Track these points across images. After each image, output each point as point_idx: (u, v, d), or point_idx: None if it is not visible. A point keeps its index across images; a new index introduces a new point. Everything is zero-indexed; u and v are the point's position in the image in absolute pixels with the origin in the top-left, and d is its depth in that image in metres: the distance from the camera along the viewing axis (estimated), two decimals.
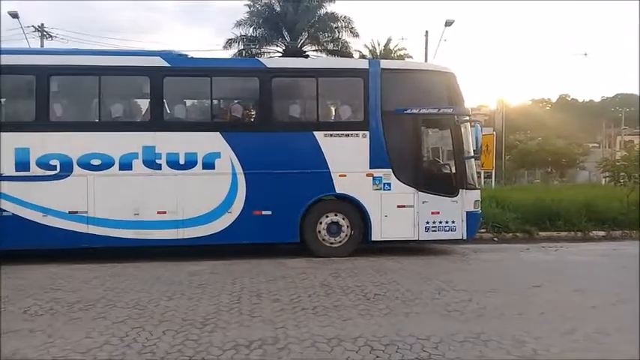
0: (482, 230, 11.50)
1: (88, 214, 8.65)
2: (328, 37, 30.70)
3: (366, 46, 35.45)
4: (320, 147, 9.02)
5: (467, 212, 9.27)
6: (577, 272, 8.26)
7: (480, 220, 10.11)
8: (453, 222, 9.23)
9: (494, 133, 17.53)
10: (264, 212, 8.96)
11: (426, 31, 27.81)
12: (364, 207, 9.11)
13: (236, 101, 9.64)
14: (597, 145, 52.73)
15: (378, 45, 35.82)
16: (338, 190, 9.12)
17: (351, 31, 30.45)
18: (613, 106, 63.34)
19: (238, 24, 30.09)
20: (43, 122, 8.66)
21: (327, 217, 9.20)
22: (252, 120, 9.53)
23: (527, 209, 12.72)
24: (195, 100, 10.29)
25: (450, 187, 9.29)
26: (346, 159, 9.07)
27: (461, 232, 9.28)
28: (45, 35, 28.16)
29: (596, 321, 5.37)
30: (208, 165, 8.89)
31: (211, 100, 9.38)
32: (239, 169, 8.94)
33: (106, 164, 8.68)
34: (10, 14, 24.00)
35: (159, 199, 8.81)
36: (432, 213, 9.16)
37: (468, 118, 9.68)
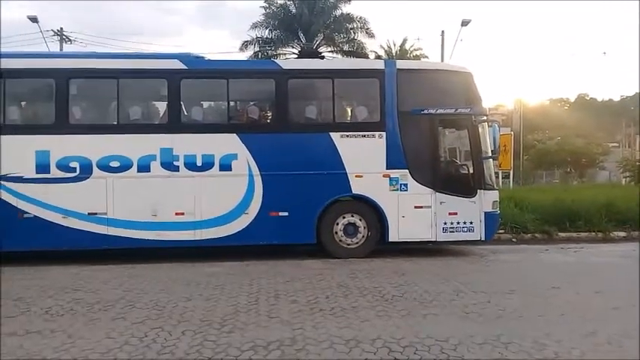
0: (501, 231, 11.38)
1: (107, 216, 8.74)
2: (344, 38, 30.71)
3: (381, 47, 35.44)
4: (336, 148, 9.02)
5: (485, 213, 9.19)
6: (597, 273, 8.16)
7: (498, 221, 10.01)
8: (471, 223, 9.16)
9: (512, 133, 17.36)
10: (280, 213, 8.98)
11: (442, 31, 27.73)
12: (381, 208, 9.08)
13: (252, 103, 9.66)
14: (617, 144, 51.92)
15: (394, 45, 35.77)
16: (354, 191, 9.10)
17: (366, 32, 30.45)
18: (633, 105, 62.34)
19: (254, 26, 30.27)
20: (62, 125, 8.76)
21: (343, 218, 9.19)
22: (268, 121, 9.55)
23: (547, 210, 12.56)
24: (212, 102, 10.35)
25: (467, 187, 9.22)
26: (363, 160, 9.05)
27: (479, 233, 9.21)
28: (64, 39, 28.56)
29: (617, 323, 5.30)
30: (225, 166, 8.93)
31: (228, 101, 9.42)
32: (256, 170, 8.96)
33: (125, 166, 8.77)
34: (29, 19, 24.39)
35: (177, 201, 8.87)
36: (450, 214, 9.10)
37: (485, 117, 9.59)
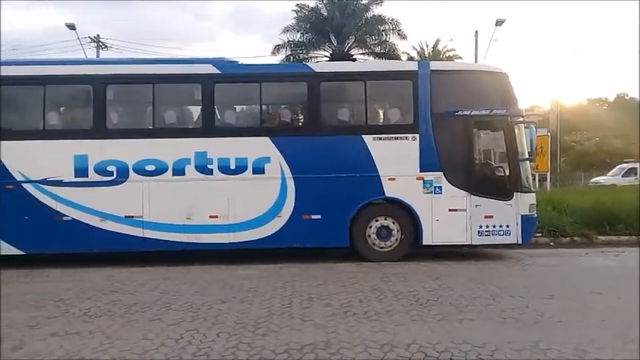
0: (538, 234, 11.14)
1: (143, 219, 8.89)
2: (375, 40, 30.67)
3: (414, 48, 35.31)
4: (369, 150, 8.97)
5: (522, 216, 9.00)
6: None
7: (535, 224, 9.80)
8: (508, 226, 8.98)
9: (549, 134, 16.97)
10: (313, 216, 8.98)
11: (476, 31, 27.40)
12: (415, 211, 8.98)
13: (285, 106, 9.70)
14: None
15: (427, 46, 35.58)
16: (388, 193, 9.03)
17: (398, 34, 30.36)
18: None
19: (286, 30, 30.51)
20: (100, 130, 8.95)
21: (376, 221, 9.12)
22: (301, 124, 9.57)
23: (586, 212, 12.23)
24: (245, 106, 10.44)
25: (504, 190, 9.04)
26: (396, 162, 8.97)
27: (516, 236, 9.03)
28: (101, 45, 29.25)
29: None
30: (258, 170, 8.98)
31: (261, 105, 9.48)
32: (288, 173, 8.99)
33: (160, 170, 8.91)
34: (67, 26, 25.06)
35: (211, 204, 8.96)
36: (486, 217, 8.95)
37: (521, 119, 9.41)
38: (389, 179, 8.97)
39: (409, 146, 8.96)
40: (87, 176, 8.87)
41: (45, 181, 8.84)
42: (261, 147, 9.00)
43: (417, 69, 9.26)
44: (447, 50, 35.03)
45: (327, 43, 31.28)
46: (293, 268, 8.42)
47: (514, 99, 9.35)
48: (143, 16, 78.87)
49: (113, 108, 9.32)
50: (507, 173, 9.11)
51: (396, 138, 9.01)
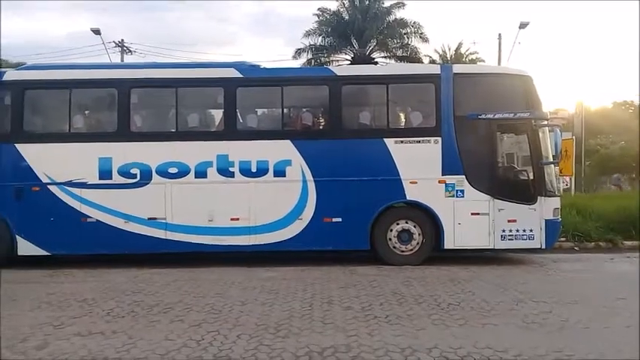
0: (562, 239, 11.01)
1: (166, 221, 8.97)
2: (397, 43, 30.58)
3: (436, 51, 34.99)
4: (390, 154, 8.93)
5: (546, 220, 8.86)
6: None
7: (559, 229, 9.66)
8: (531, 230, 8.86)
9: (574, 137, 16.68)
10: (334, 219, 8.97)
11: (499, 34, 27.15)
12: (436, 214, 8.92)
13: (306, 109, 9.72)
14: None
15: (449, 50, 35.25)
16: (409, 197, 8.98)
17: (420, 37, 30.21)
18: None
19: (307, 34, 30.61)
20: (124, 133, 9.08)
21: (397, 224, 9.07)
22: (322, 128, 9.59)
23: (611, 217, 12.03)
24: (267, 109, 10.48)
25: (527, 194, 8.92)
26: (417, 165, 8.92)
27: (539, 240, 8.89)
28: (125, 50, 29.67)
29: None
30: (279, 172, 9.00)
31: (282, 108, 9.52)
32: (309, 176, 9.00)
33: (183, 172, 8.99)
34: (92, 31, 25.52)
35: (232, 206, 9.00)
36: (509, 221, 8.84)
37: (546, 122, 9.28)
38: (410, 182, 8.92)
39: (431, 149, 8.90)
40: (111, 178, 8.99)
41: (70, 183, 8.98)
42: (282, 150, 9.02)
43: (439, 72, 9.22)
44: (470, 53, 34.69)
45: (349, 47, 31.28)
46: (313, 270, 8.41)
47: (538, 102, 9.22)
48: (166, 21, 79.90)
49: (137, 111, 9.44)
50: (531, 177, 9.00)
51: (418, 141, 8.96)
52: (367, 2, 30.82)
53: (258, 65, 9.93)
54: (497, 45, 27.16)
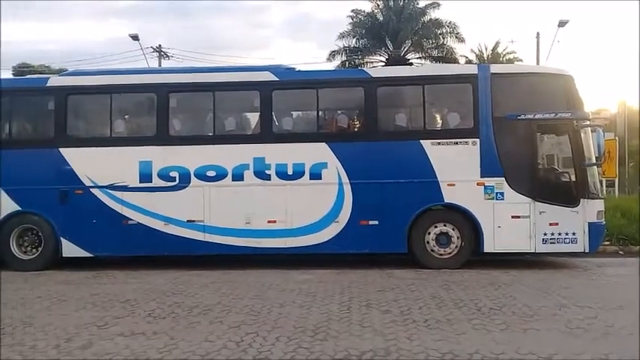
0: (606, 243, 10.68)
1: (204, 223, 9.08)
2: (432, 43, 30.30)
3: (472, 51, 34.51)
4: (427, 155, 8.84)
5: (589, 223, 8.62)
6: None
7: (603, 232, 9.38)
8: (574, 234, 8.62)
9: (617, 138, 16.19)
10: (370, 222, 8.92)
11: (537, 33, 26.60)
12: (475, 217, 8.77)
13: (342, 112, 9.71)
14: None
15: (485, 49, 34.74)
16: (447, 199, 8.86)
17: (456, 37, 29.88)
18: None
19: (342, 36, 30.61)
20: (163, 136, 9.23)
21: (435, 227, 8.96)
22: (358, 130, 9.56)
23: None
24: (302, 112, 10.51)
25: (570, 196, 8.69)
26: (455, 167, 8.80)
27: (582, 244, 8.66)
28: (162, 55, 30.22)
29: None
30: (315, 175, 9.00)
31: (318, 111, 9.52)
32: (345, 178, 8.97)
33: (220, 175, 9.08)
34: (131, 37, 26.15)
35: (269, 209, 9.04)
36: (551, 224, 8.62)
37: (588, 122, 9.03)
38: (448, 185, 8.81)
39: (469, 151, 8.77)
40: (151, 182, 9.15)
41: (112, 187, 9.19)
42: (318, 153, 9.03)
43: (477, 72, 9.08)
44: (507, 53, 34.09)
45: (383, 48, 31.15)
46: (350, 274, 8.38)
47: (580, 102, 8.98)
48: (203, 26, 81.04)
49: (175, 115, 9.59)
50: (574, 179, 8.76)
51: (456, 143, 8.84)
52: (402, 3, 30.66)
53: (294, 68, 9.99)
54: (536, 44, 26.63)
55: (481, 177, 8.76)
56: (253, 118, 9.81)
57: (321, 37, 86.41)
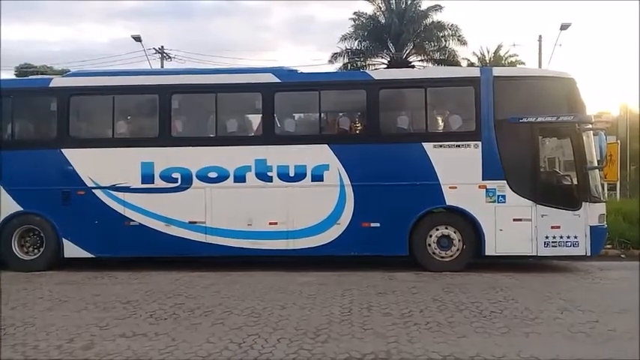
0: (608, 246, 10.67)
1: (205, 225, 9.08)
2: (434, 46, 30.29)
3: (474, 54, 34.46)
4: (429, 158, 8.83)
5: (591, 227, 8.61)
6: None
7: (605, 235, 9.37)
8: (576, 237, 8.61)
9: (618, 141, 16.19)
10: (372, 224, 8.91)
11: (540, 36, 26.60)
12: (477, 220, 8.76)
13: (344, 114, 9.71)
14: None
15: (488, 52, 34.70)
16: (448, 202, 8.86)
17: (458, 39, 29.85)
18: None
19: (343, 38, 30.60)
20: (165, 138, 9.24)
21: (437, 230, 8.95)
22: (360, 132, 9.56)
23: None
24: (304, 114, 10.51)
25: (571, 199, 8.69)
26: (457, 170, 8.79)
27: (584, 247, 8.64)
28: (165, 56, 30.25)
29: None
30: (317, 177, 9.00)
31: (320, 113, 9.50)
32: (347, 180, 8.96)
33: (222, 177, 9.08)
34: (133, 38, 26.19)
35: (270, 211, 9.05)
36: (552, 227, 8.61)
37: (590, 125, 9.02)
38: (450, 187, 8.80)
39: (471, 154, 8.77)
40: (153, 183, 9.15)
41: (114, 187, 9.19)
42: (320, 154, 9.03)
43: (479, 75, 9.07)
44: (509, 56, 34.05)
45: (385, 51, 31.16)
46: (352, 276, 8.38)
47: (582, 105, 8.97)
48: (205, 27, 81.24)
49: (178, 117, 9.59)
50: (575, 182, 8.76)
51: (458, 145, 8.83)
52: (404, 5, 30.68)
53: (296, 70, 9.98)
54: (538, 47, 26.62)
55: (483, 180, 8.74)
56: (255, 119, 9.78)
57: (323, 39, 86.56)
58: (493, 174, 8.72)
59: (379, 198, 8.89)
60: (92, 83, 9.52)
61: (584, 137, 8.82)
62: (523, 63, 32.62)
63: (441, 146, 8.86)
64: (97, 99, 9.77)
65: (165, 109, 9.29)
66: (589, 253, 8.71)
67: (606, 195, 14.09)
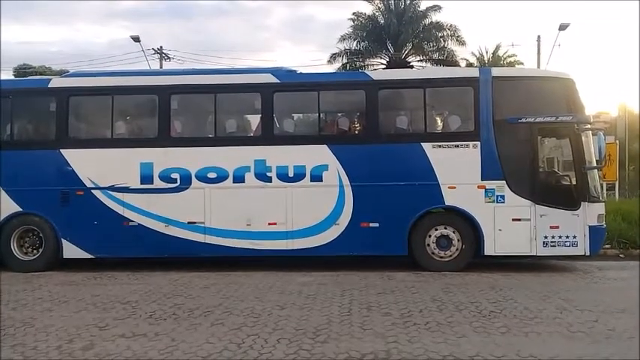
0: (607, 246, 10.66)
1: (204, 225, 9.08)
2: (433, 46, 30.32)
3: (473, 54, 34.50)
4: (428, 158, 8.84)
5: (590, 226, 8.62)
6: None
7: (604, 235, 9.37)
8: (575, 237, 8.62)
9: (617, 141, 16.21)
10: (371, 224, 8.91)
11: (538, 36, 26.67)
12: (476, 220, 8.76)
13: (343, 114, 9.73)
14: None
15: (486, 52, 34.74)
16: (447, 202, 8.86)
17: (457, 40, 29.90)
18: None
19: (342, 38, 30.62)
20: (164, 138, 9.24)
21: (436, 230, 8.96)
22: (359, 132, 9.57)
23: None
24: (304, 114, 10.52)
25: (570, 199, 8.69)
26: (456, 170, 8.79)
27: (583, 247, 8.65)
28: (163, 57, 30.26)
29: None
30: (316, 177, 9.00)
31: (319, 113, 9.52)
32: (346, 181, 8.97)
33: (221, 177, 9.08)
34: (132, 38, 26.22)
35: (269, 211, 9.05)
36: (551, 227, 8.62)
37: (589, 125, 9.02)
38: (449, 188, 8.81)
39: (470, 154, 8.77)
40: (152, 183, 9.15)
41: (113, 188, 9.19)
42: (319, 155, 9.03)
43: (478, 75, 9.08)
44: (508, 56, 34.11)
45: (384, 51, 31.19)
46: (351, 276, 8.39)
47: (581, 105, 8.97)
48: (203, 28, 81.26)
49: (177, 117, 9.59)
50: (574, 182, 8.77)
51: (457, 146, 8.84)
52: (403, 6, 30.72)
53: (295, 70, 9.98)
54: (537, 47, 26.67)
55: (482, 180, 8.75)
56: (254, 120, 9.81)
57: (322, 39, 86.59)
58: (492, 174, 8.73)
59: (378, 198, 8.89)
60: (91, 84, 9.52)
61: (583, 137, 8.82)
62: (522, 63, 32.75)
63: (440, 146, 8.87)
64: (96, 99, 9.77)
65: (165, 110, 9.29)
66: (588, 253, 8.72)
67: (605, 195, 14.11)
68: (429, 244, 8.94)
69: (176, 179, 9.13)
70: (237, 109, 10.06)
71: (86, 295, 7.17)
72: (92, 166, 9.27)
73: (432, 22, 30.32)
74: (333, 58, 30.85)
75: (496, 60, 33.39)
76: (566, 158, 9.38)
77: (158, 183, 9.15)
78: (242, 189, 9.07)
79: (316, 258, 9.16)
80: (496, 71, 9.59)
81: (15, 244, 9.29)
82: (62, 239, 9.17)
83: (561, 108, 8.85)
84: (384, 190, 8.88)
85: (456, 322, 5.68)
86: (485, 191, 8.76)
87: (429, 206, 8.94)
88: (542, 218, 8.65)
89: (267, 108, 9.23)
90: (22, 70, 28.96)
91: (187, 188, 9.11)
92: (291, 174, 9.06)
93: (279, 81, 9.25)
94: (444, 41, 30.08)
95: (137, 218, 9.15)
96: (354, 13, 31.16)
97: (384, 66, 30.18)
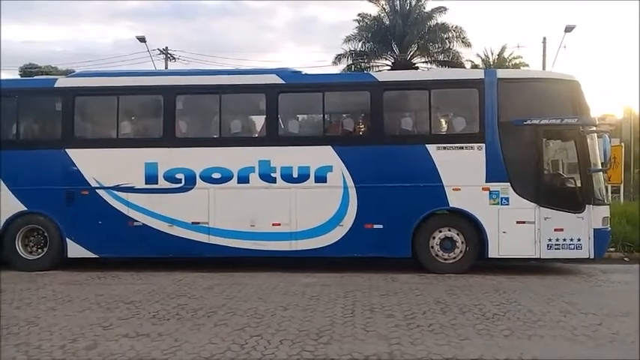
0: (612, 249, 10.64)
1: (209, 225, 9.09)
2: (438, 48, 30.19)
3: (478, 56, 34.34)
4: (433, 160, 8.83)
5: (594, 229, 8.59)
6: None
7: (608, 238, 9.35)
8: (579, 240, 8.60)
9: (622, 144, 16.14)
10: (375, 226, 8.91)
11: (544, 38, 26.58)
12: (480, 222, 8.75)
13: (348, 115, 9.72)
14: None
15: (492, 54, 34.58)
16: (452, 204, 8.85)
17: (462, 41, 29.73)
18: None
19: (347, 39, 30.53)
20: (169, 138, 9.26)
21: (440, 232, 8.95)
22: (363, 133, 9.56)
23: None
24: (308, 115, 10.53)
25: (575, 202, 8.66)
26: (460, 172, 8.78)
27: (587, 250, 8.62)
28: (169, 57, 30.31)
29: None
30: (320, 178, 9.01)
31: (323, 114, 9.54)
32: (350, 182, 8.97)
33: (226, 178, 9.10)
34: (138, 39, 26.30)
35: (274, 212, 9.06)
36: (556, 230, 8.59)
37: (594, 128, 9.00)
38: (453, 189, 8.79)
39: (475, 156, 8.76)
40: (157, 183, 9.18)
41: (117, 188, 9.22)
42: (323, 156, 9.03)
43: (483, 77, 9.06)
44: (513, 58, 33.94)
45: (389, 52, 31.12)
46: (354, 277, 8.39)
47: (586, 107, 8.96)
48: (209, 28, 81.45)
49: (182, 117, 9.61)
50: (579, 184, 8.75)
51: (461, 147, 8.82)
52: (408, 7, 30.63)
53: (300, 71, 9.98)
54: (542, 49, 26.61)
55: (486, 182, 8.73)
56: (259, 120, 9.83)
57: (327, 40, 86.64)
58: (497, 176, 8.72)
59: (382, 199, 8.89)
60: (97, 84, 9.56)
61: (588, 140, 8.80)
62: (527, 65, 32.52)
63: (444, 148, 8.86)
64: (101, 99, 9.81)
65: (170, 110, 9.32)
66: (592, 256, 8.69)
67: (610, 198, 14.05)
68: (432, 246, 8.93)
69: (181, 179, 9.16)
70: (242, 109, 10.07)
71: (90, 294, 7.20)
72: (97, 165, 9.30)
73: (437, 23, 30.21)
74: (338, 59, 30.80)
75: (501, 62, 33.24)
76: (571, 160, 9.33)
77: (163, 183, 9.17)
78: (246, 189, 9.08)
79: (320, 259, 9.15)
80: (501, 73, 9.56)
81: (20, 243, 9.34)
82: (67, 239, 9.21)
83: (566, 110, 8.82)
84: (388, 191, 8.87)
85: (460, 324, 5.67)
86: (490, 193, 8.74)
87: (433, 208, 8.93)
88: (547, 221, 8.63)
89: (271, 109, 9.24)
90: (28, 70, 29.13)
91: (192, 188, 9.13)
92: (295, 175, 9.06)
93: (284, 82, 9.27)
94: (450, 43, 29.96)
95: (141, 218, 9.18)
96: (359, 14, 31.11)
97: (389, 67, 30.13)
